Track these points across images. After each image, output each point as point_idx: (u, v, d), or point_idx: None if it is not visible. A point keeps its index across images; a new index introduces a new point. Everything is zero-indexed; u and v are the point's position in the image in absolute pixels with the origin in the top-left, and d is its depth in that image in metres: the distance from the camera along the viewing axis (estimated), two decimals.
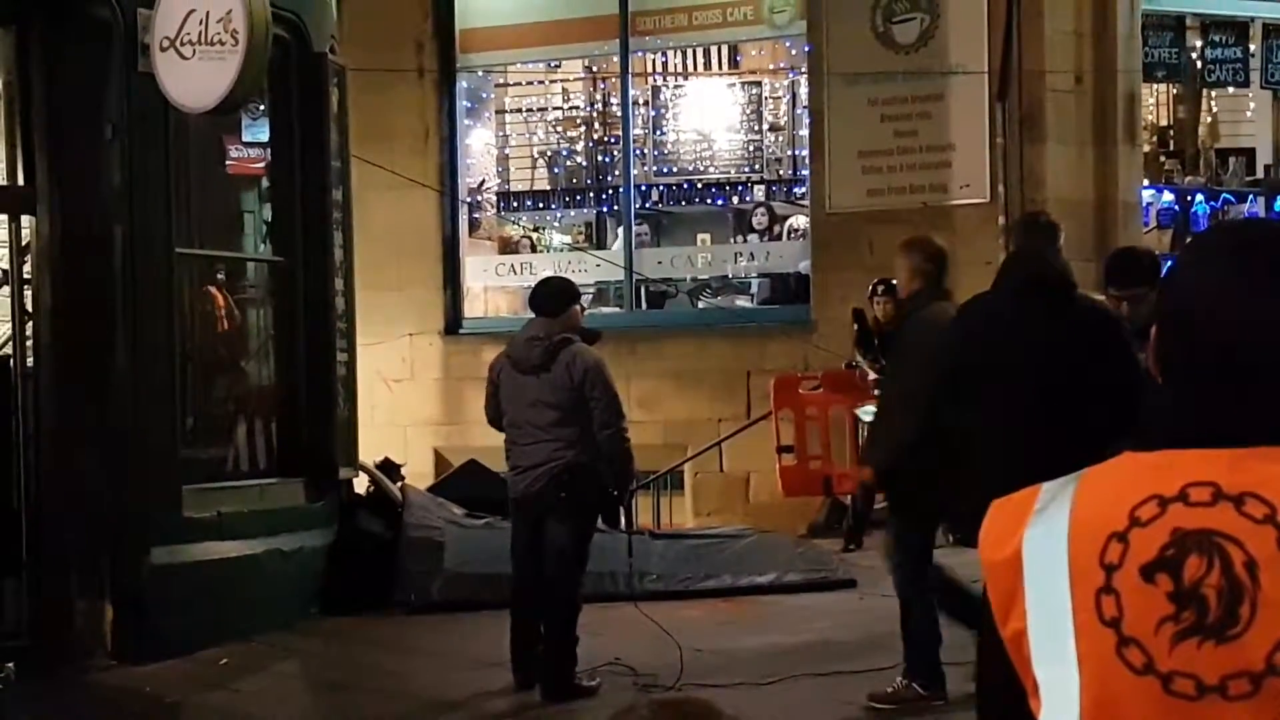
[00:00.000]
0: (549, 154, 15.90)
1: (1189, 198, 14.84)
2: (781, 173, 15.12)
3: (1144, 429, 1.83)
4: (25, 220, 9.07)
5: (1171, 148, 15.89)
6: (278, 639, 9.19)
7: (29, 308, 9.04)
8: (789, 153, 15.07)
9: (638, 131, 15.21)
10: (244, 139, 10.99)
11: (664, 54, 15.41)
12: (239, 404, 10.28)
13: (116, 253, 8.92)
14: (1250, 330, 1.78)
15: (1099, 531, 1.75)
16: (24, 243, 9.10)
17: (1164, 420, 1.82)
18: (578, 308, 8.32)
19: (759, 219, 14.89)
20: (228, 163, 10.88)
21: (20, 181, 9.03)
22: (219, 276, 10.26)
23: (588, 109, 15.81)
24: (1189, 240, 2.01)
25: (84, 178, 9.05)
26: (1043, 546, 1.77)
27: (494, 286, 15.64)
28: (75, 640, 8.77)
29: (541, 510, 7.98)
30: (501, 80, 16.07)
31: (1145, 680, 1.70)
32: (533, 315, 8.29)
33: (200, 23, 8.29)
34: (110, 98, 8.94)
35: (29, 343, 9.03)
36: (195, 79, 8.36)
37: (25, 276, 9.09)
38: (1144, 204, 14.14)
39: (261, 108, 10.48)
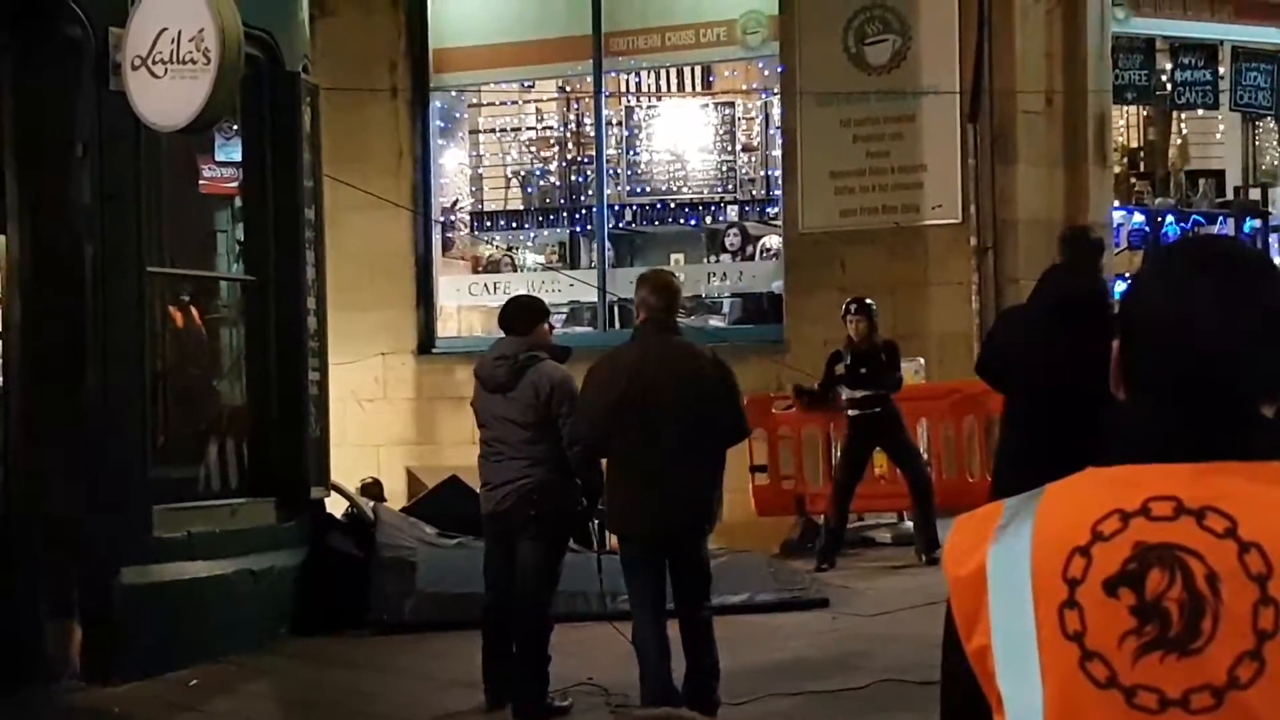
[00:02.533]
0: (522, 174, 15.91)
1: (1159, 219, 14.92)
2: (754, 193, 15.16)
3: (1106, 443, 1.83)
4: None
5: (1142, 169, 15.98)
6: (248, 660, 9.15)
7: None
8: (762, 173, 15.11)
9: (611, 152, 15.23)
10: (217, 158, 10.98)
11: (637, 74, 15.45)
12: (210, 423, 10.24)
13: (87, 271, 8.89)
14: (1212, 344, 1.79)
15: (1062, 546, 1.75)
16: None
17: (1126, 434, 1.83)
18: (546, 325, 8.32)
19: (732, 239, 14.93)
20: (201, 182, 10.87)
21: None
22: (190, 295, 10.24)
23: (561, 129, 15.83)
24: (1152, 254, 2.04)
25: (55, 196, 9.02)
26: (1006, 562, 1.78)
27: (467, 306, 15.63)
28: (44, 661, 8.72)
29: (512, 528, 7.98)
30: (475, 100, 16.08)
31: (1108, 694, 1.70)
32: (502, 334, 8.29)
33: (172, 41, 8.27)
34: (81, 116, 8.92)
35: None
36: (167, 98, 8.34)
37: None
38: (1114, 225, 14.21)
39: (235, 127, 10.47)
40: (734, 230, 14.99)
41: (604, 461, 7.65)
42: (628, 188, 15.36)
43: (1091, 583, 1.72)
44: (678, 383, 7.37)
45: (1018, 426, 7.15)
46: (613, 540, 12.85)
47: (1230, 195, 15.74)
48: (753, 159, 15.21)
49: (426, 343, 15.33)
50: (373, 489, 11.47)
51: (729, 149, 15.15)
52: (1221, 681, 1.67)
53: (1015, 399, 7.33)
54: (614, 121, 15.32)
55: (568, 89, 15.73)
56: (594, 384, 7.51)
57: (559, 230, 15.74)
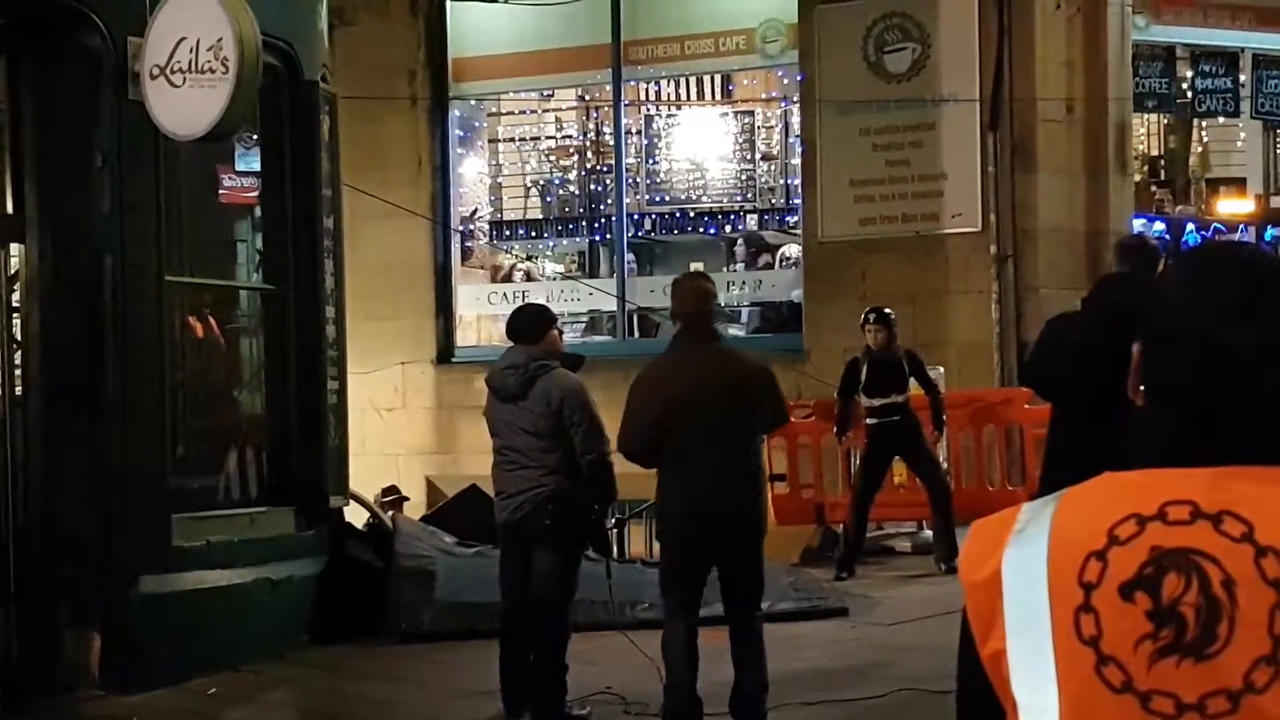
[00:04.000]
0: (541, 183, 15.94)
1: (1180, 227, 14.88)
2: (774, 201, 15.15)
3: (1128, 449, 1.83)
4: (14, 249, 9.06)
5: (1163, 177, 15.95)
6: (267, 669, 9.15)
7: (18, 336, 9.03)
8: (781, 181, 15.11)
9: (630, 160, 15.25)
10: (237, 167, 10.99)
11: (657, 83, 15.46)
12: (229, 432, 10.25)
13: (106, 281, 8.91)
14: (1231, 352, 1.78)
15: (1078, 550, 1.74)
16: (13, 271, 9.09)
17: (1144, 439, 1.81)
18: (555, 332, 8.29)
19: (740, 251, 14.95)
20: (221, 191, 10.89)
21: (9, 210, 9.03)
22: (209, 305, 10.25)
23: (580, 138, 15.85)
24: (1176, 261, 2.03)
25: (74, 206, 9.05)
26: (1022, 566, 1.77)
27: (486, 315, 15.65)
28: (63, 670, 8.73)
29: (528, 537, 7.96)
30: (494, 109, 16.12)
31: (1124, 699, 1.69)
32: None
33: (191, 51, 8.29)
34: (100, 126, 8.94)
35: (18, 371, 9.01)
36: (185, 107, 8.36)
37: (14, 305, 9.08)
38: (1132, 234, 14.16)
39: (255, 136, 10.49)
40: (741, 242, 15.00)
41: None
42: (647, 196, 15.37)
43: (1107, 587, 1.71)
44: (719, 390, 7.34)
45: (1066, 431, 7.28)
46: (633, 548, 12.87)
47: (1251, 203, 15.70)
48: (772, 167, 15.21)
49: (446, 352, 15.35)
50: (393, 495, 11.48)
51: (748, 157, 15.15)
52: (1238, 686, 1.66)
53: (1063, 406, 7.45)
54: (633, 130, 15.33)
55: (587, 98, 15.75)
56: (637, 397, 7.44)
57: (578, 239, 15.76)
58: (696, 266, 15.00)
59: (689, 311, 7.54)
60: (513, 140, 16.11)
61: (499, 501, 8.12)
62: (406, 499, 12.02)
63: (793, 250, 14.68)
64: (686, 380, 7.32)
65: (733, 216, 15.14)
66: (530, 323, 8.17)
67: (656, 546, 13.10)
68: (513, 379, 7.96)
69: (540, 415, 7.88)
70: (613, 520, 9.83)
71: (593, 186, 15.63)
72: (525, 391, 7.91)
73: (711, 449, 7.30)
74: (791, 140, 14.84)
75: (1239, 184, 16.13)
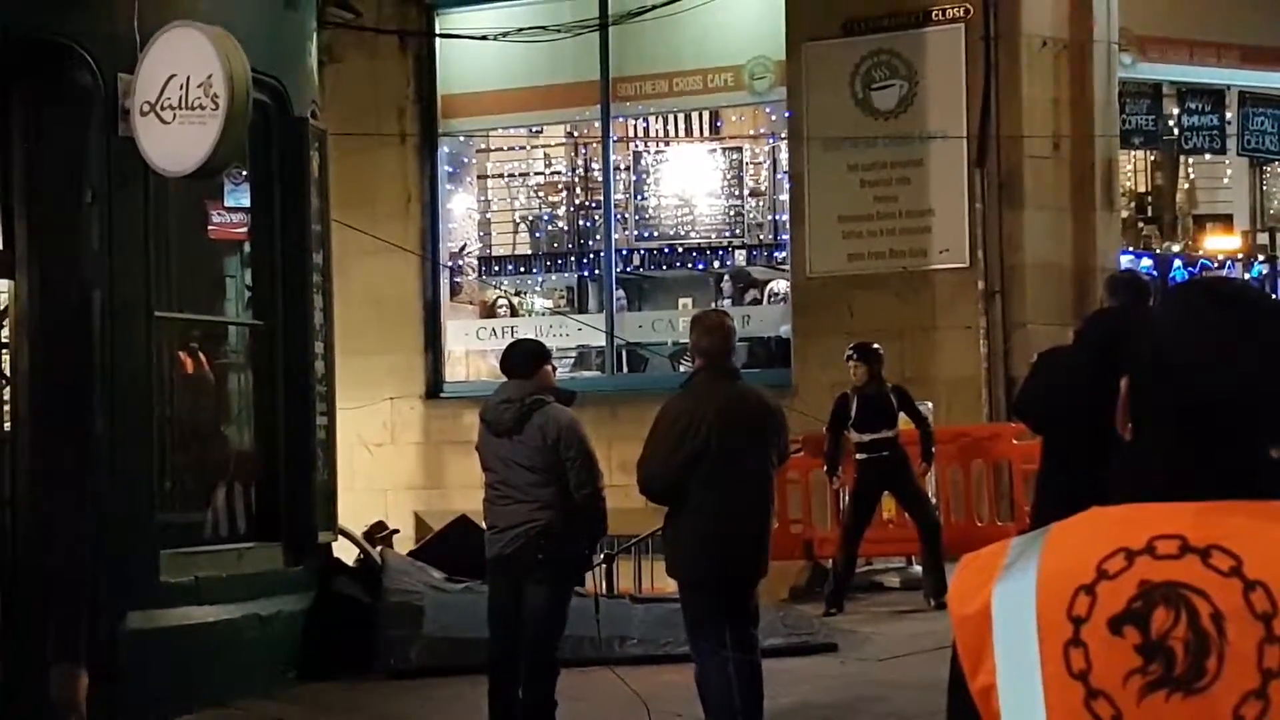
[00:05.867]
0: (530, 219, 15.97)
1: (1167, 263, 14.93)
2: (762, 237, 15.19)
3: (1115, 483, 1.83)
4: (4, 284, 9.05)
5: (1149, 213, 16.01)
6: (255, 705, 9.11)
7: (7, 372, 9.01)
8: (769, 217, 15.15)
9: (619, 196, 15.28)
10: (227, 203, 11.00)
11: (645, 119, 15.51)
12: (217, 468, 10.23)
13: (95, 317, 8.90)
14: (1217, 385, 1.79)
15: (1067, 585, 1.74)
16: (2, 307, 9.08)
17: (1132, 473, 1.82)
18: (549, 368, 8.32)
19: (728, 286, 14.97)
20: (210, 227, 10.89)
21: None
22: (198, 340, 10.24)
23: (569, 174, 15.89)
24: (1164, 295, 2.03)
25: (64, 242, 9.04)
26: (1011, 600, 1.77)
27: (475, 350, 15.65)
28: (49, 706, 8.67)
29: (519, 571, 7.95)
30: (483, 145, 16.15)
31: None
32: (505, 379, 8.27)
33: (181, 87, 8.31)
34: (90, 162, 8.94)
35: (6, 407, 8.99)
36: (175, 143, 8.37)
37: (3, 340, 9.06)
38: (1122, 270, 14.20)
39: (245, 172, 10.50)
40: (728, 279, 15.04)
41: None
42: (636, 232, 15.40)
43: (1096, 621, 1.71)
44: (745, 428, 7.37)
45: (1061, 467, 7.23)
46: (622, 585, 12.83)
47: (1239, 240, 15.76)
48: (760, 203, 15.25)
49: (434, 387, 15.34)
50: (383, 531, 11.45)
51: (736, 194, 15.19)
52: None
53: (1056, 440, 7.41)
54: (622, 166, 15.37)
55: (575, 134, 15.79)
56: (662, 435, 7.41)
57: (567, 275, 15.77)
58: (685, 302, 15.03)
59: (715, 349, 7.54)
60: (501, 176, 16.14)
61: (491, 535, 8.11)
62: (396, 531, 12.00)
63: (781, 286, 14.70)
64: (714, 418, 7.30)
65: (721, 252, 15.17)
66: (525, 358, 8.19)
67: (647, 583, 13.09)
68: (508, 413, 7.96)
69: (536, 450, 7.88)
70: (601, 556, 9.80)
71: (581, 222, 15.66)
72: (521, 426, 7.91)
73: (743, 486, 7.34)
74: (779, 176, 14.89)
75: (1225, 220, 16.19)
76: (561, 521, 7.87)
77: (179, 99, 8.32)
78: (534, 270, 15.86)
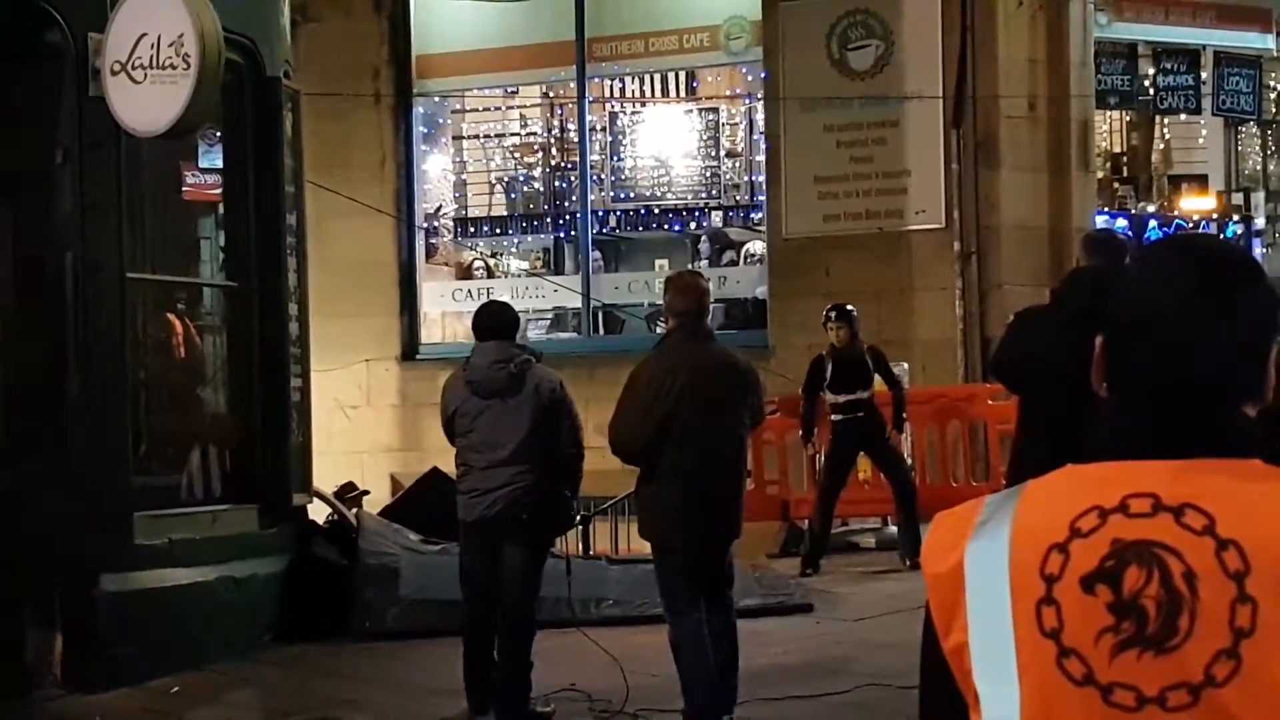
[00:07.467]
0: (506, 180, 15.91)
1: (1143, 223, 14.95)
2: (738, 198, 15.16)
3: (1090, 442, 1.82)
4: None
5: (1125, 174, 16.02)
6: (231, 668, 9.11)
7: None
8: (746, 178, 15.12)
9: (595, 157, 15.23)
10: (200, 164, 10.94)
11: (621, 80, 15.45)
12: (192, 430, 10.20)
13: (68, 278, 8.85)
14: (1194, 345, 1.78)
15: (1040, 543, 1.74)
16: None
17: (1106, 432, 1.81)
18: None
19: (705, 247, 14.96)
20: (184, 188, 10.83)
21: None
22: (173, 302, 10.20)
23: (545, 135, 15.83)
24: (1138, 254, 2.02)
25: (35, 203, 8.98)
26: (984, 559, 1.76)
27: (451, 312, 15.61)
28: (25, 669, 8.67)
29: (499, 533, 7.93)
30: (459, 106, 16.08)
31: (1085, 691, 1.69)
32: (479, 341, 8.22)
33: (152, 46, 8.24)
34: (61, 123, 8.88)
35: None
36: (146, 103, 8.31)
37: None
38: (1099, 229, 14.21)
39: (218, 133, 10.43)
40: (705, 240, 15.02)
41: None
42: (612, 193, 15.36)
43: (1069, 579, 1.71)
44: (719, 389, 7.32)
45: (1039, 428, 7.23)
46: (598, 546, 12.84)
47: (1213, 200, 15.78)
48: (737, 164, 15.22)
49: (410, 349, 15.31)
50: (346, 493, 11.42)
51: (713, 154, 15.15)
52: (1198, 679, 1.66)
53: (1034, 400, 7.40)
54: (598, 127, 15.32)
55: (551, 95, 15.73)
56: (635, 395, 7.34)
57: (543, 236, 15.74)
58: (661, 263, 15.00)
59: (688, 310, 7.51)
60: (477, 137, 16.07)
61: (470, 499, 8.04)
62: (366, 493, 11.96)
63: (757, 247, 14.69)
64: (687, 378, 7.26)
65: (697, 213, 15.15)
66: (505, 319, 8.20)
67: (623, 545, 13.10)
68: (503, 374, 7.92)
69: (530, 409, 7.86)
70: (578, 517, 9.80)
71: (557, 183, 15.61)
72: (517, 386, 7.89)
73: (716, 447, 7.31)
74: (756, 137, 14.85)
75: (1201, 180, 16.21)
76: (546, 482, 7.87)
77: (150, 58, 8.25)
78: (510, 232, 15.81)
